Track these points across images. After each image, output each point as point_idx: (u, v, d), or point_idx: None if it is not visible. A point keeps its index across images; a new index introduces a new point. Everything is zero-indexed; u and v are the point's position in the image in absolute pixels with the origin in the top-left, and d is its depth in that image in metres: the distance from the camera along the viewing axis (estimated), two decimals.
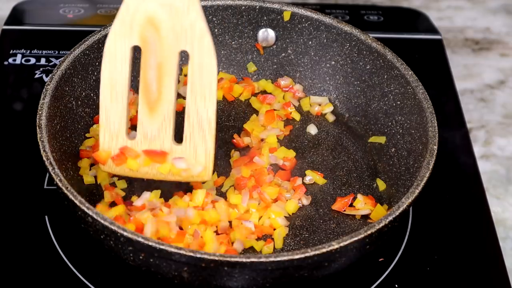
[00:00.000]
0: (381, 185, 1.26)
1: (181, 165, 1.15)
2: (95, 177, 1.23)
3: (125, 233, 1.03)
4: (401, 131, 1.27)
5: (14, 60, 1.48)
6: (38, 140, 1.13)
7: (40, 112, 1.17)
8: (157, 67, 1.10)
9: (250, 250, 1.17)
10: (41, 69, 1.47)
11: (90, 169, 1.23)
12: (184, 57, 1.13)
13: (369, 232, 1.06)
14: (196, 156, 1.15)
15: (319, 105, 1.38)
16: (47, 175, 1.27)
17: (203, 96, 1.11)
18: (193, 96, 1.11)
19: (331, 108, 1.38)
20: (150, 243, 1.02)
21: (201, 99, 1.11)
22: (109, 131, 1.14)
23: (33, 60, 1.48)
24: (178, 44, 1.09)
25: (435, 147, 1.17)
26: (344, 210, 1.23)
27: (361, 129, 1.35)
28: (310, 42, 1.38)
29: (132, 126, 1.21)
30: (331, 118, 1.38)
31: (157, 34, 1.09)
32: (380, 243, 1.12)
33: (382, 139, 1.31)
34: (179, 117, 1.17)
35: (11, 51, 1.50)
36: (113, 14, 1.57)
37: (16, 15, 1.58)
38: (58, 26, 1.56)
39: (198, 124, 1.12)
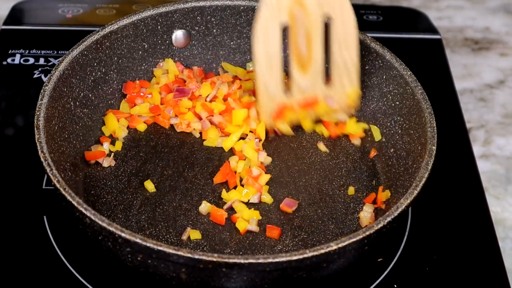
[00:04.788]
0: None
1: (333, 104, 1.30)
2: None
3: (123, 234, 1.03)
4: (400, 131, 1.27)
5: (13, 60, 1.48)
6: (36, 141, 1.13)
7: (38, 113, 1.17)
8: (305, 35, 1.25)
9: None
10: (39, 69, 1.47)
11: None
12: None
13: (367, 233, 1.06)
14: (344, 94, 1.30)
15: None
16: (46, 175, 1.27)
17: (346, 44, 1.27)
18: (338, 45, 1.27)
19: None
20: (148, 244, 1.02)
21: (345, 47, 1.27)
22: (267, 95, 1.28)
23: (31, 60, 1.48)
24: (322, 11, 1.24)
25: (434, 147, 1.17)
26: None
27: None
28: None
29: None
30: None
31: (303, 9, 1.23)
32: (378, 244, 1.12)
33: (381, 139, 1.31)
34: None
35: (9, 51, 1.50)
36: (112, 14, 1.59)
37: (15, 15, 1.58)
38: (57, 26, 1.56)
39: (344, 66, 1.28)
